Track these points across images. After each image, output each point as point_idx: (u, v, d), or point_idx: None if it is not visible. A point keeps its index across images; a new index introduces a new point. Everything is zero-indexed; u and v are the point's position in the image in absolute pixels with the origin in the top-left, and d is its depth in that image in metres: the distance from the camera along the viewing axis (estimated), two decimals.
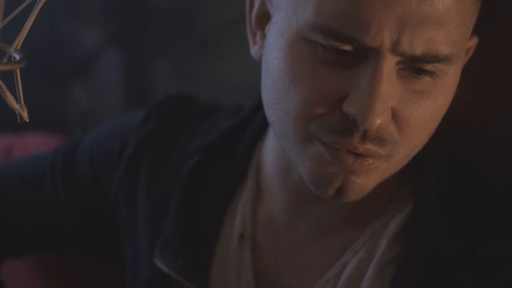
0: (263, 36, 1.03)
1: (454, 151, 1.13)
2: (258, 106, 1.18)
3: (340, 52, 0.88)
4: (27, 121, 0.79)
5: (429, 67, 0.90)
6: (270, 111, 0.98)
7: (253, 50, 1.06)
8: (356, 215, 1.08)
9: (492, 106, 1.19)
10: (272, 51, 0.96)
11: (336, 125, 0.91)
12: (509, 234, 1.03)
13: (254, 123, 1.19)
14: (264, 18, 1.03)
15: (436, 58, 0.88)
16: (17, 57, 0.74)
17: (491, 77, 1.18)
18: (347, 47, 0.87)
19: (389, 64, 0.87)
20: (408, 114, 0.91)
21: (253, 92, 1.18)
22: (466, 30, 0.92)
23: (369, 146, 0.91)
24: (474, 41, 1.02)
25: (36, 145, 1.59)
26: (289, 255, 1.11)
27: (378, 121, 0.88)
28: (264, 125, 1.17)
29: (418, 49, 0.86)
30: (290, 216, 1.11)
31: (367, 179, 0.95)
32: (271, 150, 1.13)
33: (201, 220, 1.15)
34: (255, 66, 1.06)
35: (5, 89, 0.75)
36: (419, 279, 1.02)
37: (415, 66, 0.89)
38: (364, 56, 0.88)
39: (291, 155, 0.99)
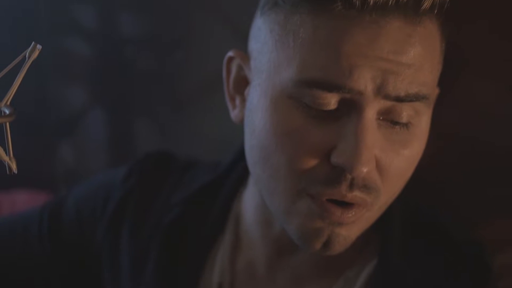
0: (243, 100, 1.06)
1: (419, 203, 1.16)
2: (235, 161, 1.20)
3: (325, 108, 0.91)
4: (16, 172, 0.80)
5: (404, 118, 0.93)
6: (258, 170, 1.00)
7: (234, 114, 1.08)
8: (330, 265, 1.09)
9: (454, 159, 1.23)
10: (257, 112, 0.98)
11: (325, 176, 0.93)
12: (468, 282, 1.05)
13: (231, 177, 1.20)
14: (242, 82, 1.06)
15: (417, 97, 0.92)
16: (7, 111, 0.76)
17: (453, 131, 1.22)
18: (332, 97, 0.90)
19: (372, 112, 0.91)
20: (389, 163, 0.94)
21: (230, 148, 1.20)
22: (436, 76, 0.97)
23: (357, 194, 0.93)
24: (436, 91, 1.07)
25: (23, 202, 1.60)
26: None
27: (366, 169, 0.90)
28: (241, 179, 1.19)
29: (402, 91, 0.90)
30: (268, 266, 1.12)
31: (351, 230, 0.97)
32: (251, 203, 1.14)
33: (180, 271, 1.16)
34: (231, 123, 1.08)
35: None
36: None
37: (392, 119, 0.93)
38: (347, 109, 0.91)
39: (277, 212, 1.01)
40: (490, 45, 1.18)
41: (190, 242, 1.18)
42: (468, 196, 1.23)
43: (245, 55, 1.06)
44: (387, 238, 1.08)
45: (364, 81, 0.89)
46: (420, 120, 0.96)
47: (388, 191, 0.97)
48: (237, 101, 1.07)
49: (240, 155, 1.15)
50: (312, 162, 0.93)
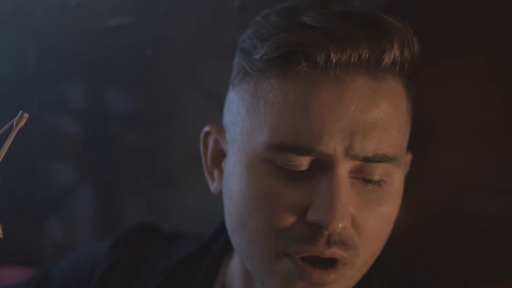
0: (221, 172, 1.09)
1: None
2: (218, 231, 1.22)
3: (298, 167, 0.94)
4: (1, 237, 0.83)
5: (376, 176, 0.96)
6: (237, 236, 1.02)
7: (213, 187, 1.11)
8: None
9: (431, 228, 1.25)
10: (233, 179, 1.01)
11: (302, 234, 0.95)
12: None
13: (215, 247, 1.22)
14: (219, 156, 1.09)
15: (385, 159, 0.95)
16: None
17: (430, 200, 1.24)
18: (303, 159, 0.93)
19: (343, 171, 0.93)
20: (364, 220, 0.96)
21: (213, 220, 1.22)
22: (404, 137, 1.00)
23: (335, 250, 0.95)
24: (409, 157, 1.09)
25: (12, 278, 1.60)
26: None
27: (341, 225, 0.93)
28: (225, 249, 1.20)
29: (369, 151, 0.93)
30: None
31: None
32: (236, 271, 1.15)
33: None
34: (214, 197, 1.11)
35: None
36: None
37: (364, 177, 0.96)
38: (320, 169, 0.94)
39: (259, 276, 1.03)
40: (459, 111, 1.21)
41: None
42: (447, 265, 1.24)
43: (221, 129, 1.09)
44: None
45: (333, 143, 0.92)
46: (392, 179, 0.98)
47: (367, 249, 0.99)
48: (215, 174, 1.10)
49: (223, 226, 1.17)
50: (289, 222, 0.96)
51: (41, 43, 1.66)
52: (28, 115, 0.84)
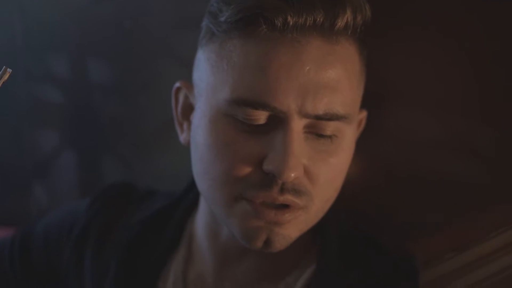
0: (189, 124, 1.17)
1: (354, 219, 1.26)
2: (188, 189, 1.30)
3: (255, 121, 1.03)
4: None
5: (328, 131, 1.04)
6: (200, 181, 1.11)
7: (182, 137, 1.19)
8: (272, 271, 1.19)
9: (384, 184, 1.33)
10: (199, 131, 1.09)
11: (258, 182, 1.04)
12: (391, 282, 1.15)
13: (185, 202, 1.30)
14: (188, 109, 1.17)
15: (336, 117, 1.03)
16: None
17: (383, 157, 1.32)
18: (260, 114, 1.02)
19: (297, 127, 1.02)
20: (317, 170, 1.05)
21: (185, 180, 1.30)
22: (356, 96, 1.08)
23: (288, 197, 1.04)
24: (363, 114, 1.17)
25: None
26: None
27: (293, 174, 1.01)
28: (193, 203, 1.28)
29: (320, 110, 1.01)
30: (216, 275, 1.21)
31: (289, 229, 1.07)
32: (201, 221, 1.24)
33: (137, 282, 1.24)
34: (187, 160, 1.17)
35: None
36: None
37: (317, 131, 1.04)
38: (276, 123, 1.02)
39: (221, 218, 1.11)
40: (412, 73, 1.29)
41: (147, 257, 1.27)
42: (399, 218, 1.33)
43: (190, 84, 1.17)
44: (325, 247, 1.18)
45: (287, 101, 1.00)
46: (343, 134, 1.07)
47: (321, 196, 1.07)
48: (185, 126, 1.18)
49: (193, 184, 1.26)
50: (246, 170, 1.04)
51: (27, 18, 1.73)
52: (11, 70, 0.89)
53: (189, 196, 1.30)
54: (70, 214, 1.39)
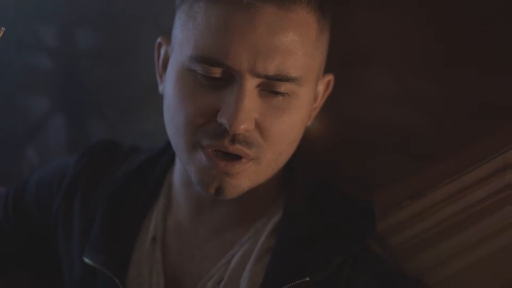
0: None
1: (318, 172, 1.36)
2: (167, 145, 1.39)
3: (213, 77, 1.12)
4: None
5: (282, 89, 1.13)
6: (168, 129, 1.20)
7: (160, 88, 1.29)
8: (243, 217, 1.28)
9: (346, 134, 1.43)
10: (168, 81, 1.19)
11: (212, 132, 1.13)
12: (349, 226, 1.24)
13: (164, 156, 1.40)
14: (167, 62, 1.26)
15: (286, 79, 1.11)
16: None
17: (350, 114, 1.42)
18: (217, 70, 1.11)
19: (250, 84, 1.11)
20: (268, 125, 1.14)
21: (165, 138, 1.38)
22: (311, 61, 1.16)
23: (238, 147, 1.13)
24: (329, 77, 1.27)
25: None
26: (191, 251, 1.29)
27: (242, 126, 1.10)
28: (172, 157, 1.37)
29: (270, 71, 1.10)
30: (192, 221, 1.30)
31: (240, 180, 1.16)
32: (177, 172, 1.33)
33: (121, 228, 1.33)
34: None
35: None
36: (287, 260, 1.20)
37: (270, 89, 1.13)
38: (231, 80, 1.12)
39: (183, 164, 1.20)
40: (374, 37, 1.39)
41: (130, 206, 1.36)
42: (360, 169, 1.44)
43: (169, 40, 1.26)
44: (291, 195, 1.27)
45: (239, 61, 1.10)
46: (297, 94, 1.15)
47: (273, 149, 1.16)
48: (164, 77, 1.27)
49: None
50: (203, 120, 1.14)
51: None
52: (4, 29, 0.97)
53: (167, 151, 1.39)
54: (60, 168, 1.48)
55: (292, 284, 1.16)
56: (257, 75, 1.10)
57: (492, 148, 1.30)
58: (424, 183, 1.36)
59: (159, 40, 1.30)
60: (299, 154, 1.27)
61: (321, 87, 1.26)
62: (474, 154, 1.31)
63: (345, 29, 1.32)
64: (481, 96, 1.32)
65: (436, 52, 1.35)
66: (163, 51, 1.28)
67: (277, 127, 1.14)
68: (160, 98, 1.27)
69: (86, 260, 1.30)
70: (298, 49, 1.12)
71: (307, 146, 1.30)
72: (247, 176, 1.17)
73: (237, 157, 1.15)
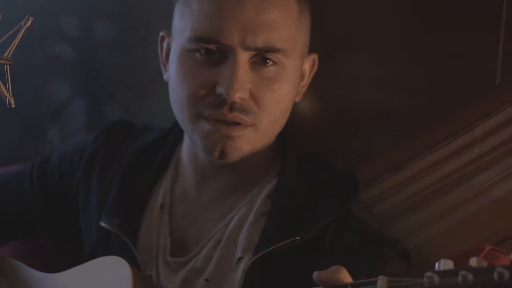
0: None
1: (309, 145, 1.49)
2: (175, 124, 1.50)
3: (209, 55, 1.27)
4: (14, 107, 1.07)
5: (270, 62, 1.28)
6: (174, 106, 1.35)
7: (165, 76, 1.43)
8: (241, 185, 1.40)
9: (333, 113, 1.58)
10: (171, 65, 1.34)
11: (212, 103, 1.28)
12: (335, 192, 1.36)
13: (173, 134, 1.52)
14: (169, 53, 1.40)
15: (274, 50, 1.27)
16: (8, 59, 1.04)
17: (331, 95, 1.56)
18: (212, 47, 1.26)
19: (242, 58, 1.25)
20: (261, 94, 1.29)
21: (174, 119, 1.49)
22: (294, 36, 1.31)
23: (236, 114, 1.27)
24: (313, 56, 1.41)
25: None
26: (195, 216, 1.42)
27: (238, 95, 1.25)
28: (180, 135, 1.49)
29: (259, 44, 1.25)
30: (196, 189, 1.43)
31: (240, 143, 1.30)
32: (185, 146, 1.46)
33: (134, 196, 1.47)
34: None
35: None
36: (280, 222, 1.33)
37: (262, 56, 1.27)
38: (225, 57, 1.27)
39: (189, 135, 1.34)
40: (357, 22, 1.53)
41: (142, 177, 1.49)
42: (342, 143, 1.57)
43: (170, 33, 1.41)
44: (284, 166, 1.40)
45: (231, 37, 1.25)
46: (285, 65, 1.30)
47: (268, 116, 1.30)
48: (167, 66, 1.41)
49: None
50: (203, 93, 1.29)
51: None
52: (32, 19, 1.06)
53: (175, 130, 1.52)
54: (80, 144, 1.62)
55: (285, 242, 1.28)
56: (248, 48, 1.25)
57: (462, 125, 1.43)
58: (402, 157, 1.49)
59: (161, 33, 1.44)
60: (292, 130, 1.41)
61: (307, 65, 1.40)
62: (446, 131, 1.44)
63: (329, 15, 1.47)
64: (453, 78, 1.45)
65: (413, 37, 1.49)
66: (166, 43, 1.43)
67: (269, 96, 1.29)
68: (167, 84, 1.40)
69: (102, 224, 1.43)
70: (282, 25, 1.28)
71: (297, 123, 1.43)
72: (247, 140, 1.30)
73: (236, 123, 1.29)
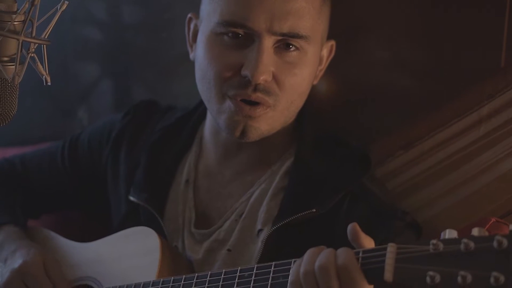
0: (196, 45, 1.46)
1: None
2: (199, 103, 1.58)
3: (237, 39, 1.33)
4: (50, 84, 1.11)
5: (293, 47, 1.34)
6: (200, 86, 1.42)
7: (191, 56, 1.49)
8: (261, 162, 1.48)
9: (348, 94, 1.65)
10: (199, 47, 1.41)
11: (237, 83, 1.35)
12: (349, 168, 1.44)
13: (197, 113, 1.59)
14: (196, 34, 1.47)
15: (297, 36, 1.34)
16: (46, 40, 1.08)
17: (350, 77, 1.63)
18: (240, 31, 1.32)
19: (267, 42, 1.32)
20: (283, 77, 1.36)
21: (198, 99, 1.56)
22: (316, 25, 1.38)
23: (259, 95, 1.34)
24: (331, 42, 1.48)
25: None
26: (218, 190, 1.49)
27: (262, 77, 1.32)
28: (203, 114, 1.56)
29: (285, 29, 1.32)
30: (219, 165, 1.50)
31: (260, 123, 1.37)
32: (208, 124, 1.52)
33: (160, 172, 1.54)
34: None
35: (37, 60, 1.08)
36: (298, 196, 1.40)
37: (285, 42, 1.34)
38: (251, 41, 1.33)
39: (214, 114, 1.40)
40: (371, 10, 1.60)
41: (168, 154, 1.56)
42: (357, 123, 1.64)
43: (197, 15, 1.47)
44: (301, 143, 1.47)
45: (258, 23, 1.32)
46: (306, 51, 1.37)
47: (286, 98, 1.37)
48: (194, 46, 1.48)
49: (202, 100, 1.51)
50: (229, 74, 1.36)
51: None
52: (68, 2, 1.10)
53: (199, 109, 1.59)
54: (108, 123, 1.69)
55: (301, 214, 1.36)
56: (274, 33, 1.32)
57: (469, 105, 1.49)
58: (413, 136, 1.55)
59: (189, 15, 1.51)
60: (309, 110, 1.48)
61: (325, 51, 1.47)
62: (454, 110, 1.50)
63: (346, 4, 1.53)
64: (460, 60, 1.52)
65: (423, 22, 1.55)
66: (193, 25, 1.49)
67: (290, 79, 1.36)
68: (191, 64, 1.46)
69: (131, 198, 1.51)
70: (306, 14, 1.35)
71: (314, 104, 1.50)
72: (265, 120, 1.37)
73: (258, 105, 1.35)
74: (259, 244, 1.39)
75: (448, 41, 1.52)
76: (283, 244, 1.36)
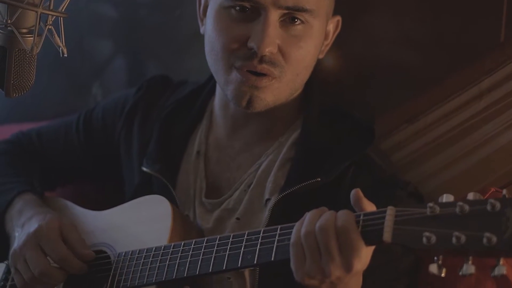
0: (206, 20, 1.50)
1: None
2: (209, 78, 1.62)
3: (243, 11, 1.38)
4: (66, 55, 1.15)
5: (298, 21, 1.38)
6: (209, 58, 1.46)
7: (202, 29, 1.54)
8: (269, 134, 1.52)
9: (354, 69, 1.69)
10: (208, 20, 1.45)
11: (244, 55, 1.39)
12: (354, 139, 1.48)
13: (207, 87, 1.64)
14: (206, 8, 1.51)
15: (302, 9, 1.38)
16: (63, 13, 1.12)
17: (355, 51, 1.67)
18: (247, 4, 1.36)
19: (273, 16, 1.36)
20: (289, 50, 1.40)
21: (208, 74, 1.60)
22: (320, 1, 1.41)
23: (265, 66, 1.39)
24: (337, 17, 1.52)
25: None
26: (227, 161, 1.54)
27: (267, 49, 1.36)
28: (213, 88, 1.60)
29: (290, 3, 1.36)
30: (228, 137, 1.55)
31: (266, 94, 1.41)
32: (217, 98, 1.57)
33: (173, 144, 1.59)
34: None
35: (54, 32, 1.12)
36: (304, 167, 1.45)
37: (291, 15, 1.38)
38: (258, 14, 1.37)
39: (222, 85, 1.45)
40: None
41: (179, 127, 1.61)
42: (362, 97, 1.69)
43: None
44: (308, 116, 1.51)
45: None
46: (311, 25, 1.41)
47: (292, 69, 1.41)
48: (204, 21, 1.52)
49: (212, 76, 1.55)
50: (236, 46, 1.40)
51: None
52: None
53: (209, 84, 1.64)
54: (122, 97, 1.75)
55: (307, 183, 1.40)
56: (279, 7, 1.36)
57: (469, 79, 1.54)
58: (416, 110, 1.60)
59: None
60: (316, 84, 1.52)
61: (331, 26, 1.51)
62: (455, 84, 1.55)
63: None
64: (460, 35, 1.56)
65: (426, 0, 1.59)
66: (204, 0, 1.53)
67: (295, 51, 1.40)
68: (203, 42, 1.50)
69: (144, 169, 1.56)
70: None
71: (320, 77, 1.54)
72: (271, 91, 1.41)
73: (263, 76, 1.40)
74: (266, 213, 1.43)
75: (449, 16, 1.57)
76: (289, 212, 1.39)
